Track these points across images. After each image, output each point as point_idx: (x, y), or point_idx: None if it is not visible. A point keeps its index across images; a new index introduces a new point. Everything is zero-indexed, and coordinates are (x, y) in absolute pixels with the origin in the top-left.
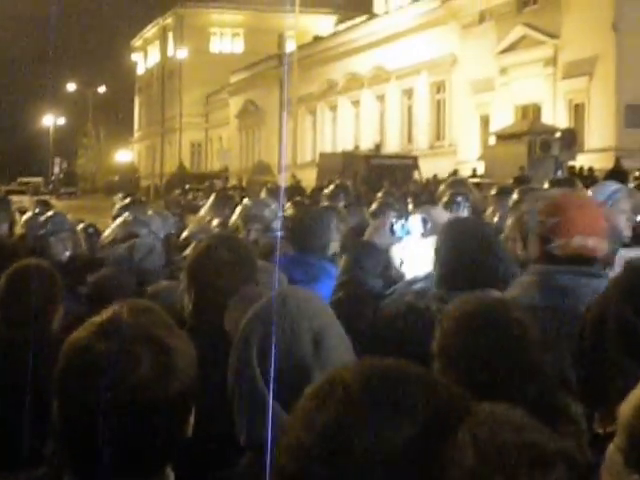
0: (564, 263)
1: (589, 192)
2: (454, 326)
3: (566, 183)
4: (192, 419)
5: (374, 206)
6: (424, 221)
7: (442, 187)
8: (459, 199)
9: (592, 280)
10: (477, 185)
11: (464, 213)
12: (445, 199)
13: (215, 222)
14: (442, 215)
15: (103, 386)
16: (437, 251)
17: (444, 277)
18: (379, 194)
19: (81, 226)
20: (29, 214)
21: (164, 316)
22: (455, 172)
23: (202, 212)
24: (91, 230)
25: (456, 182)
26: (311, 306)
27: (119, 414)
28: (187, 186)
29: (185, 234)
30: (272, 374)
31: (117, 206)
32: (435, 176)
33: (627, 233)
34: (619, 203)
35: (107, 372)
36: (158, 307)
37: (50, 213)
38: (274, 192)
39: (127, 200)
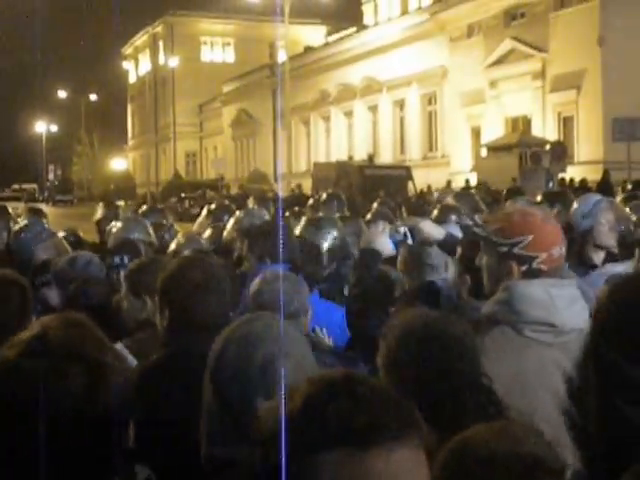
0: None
1: (574, 204)
2: (399, 341)
3: (559, 195)
4: (131, 433)
5: (369, 216)
6: (410, 232)
7: (449, 198)
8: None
9: (568, 289)
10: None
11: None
12: (436, 212)
13: (207, 233)
14: (428, 227)
15: (32, 403)
16: None
17: None
18: (375, 204)
19: (62, 234)
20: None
21: (96, 331)
22: (449, 183)
23: (196, 226)
24: (72, 238)
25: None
26: (273, 332)
27: (50, 430)
28: (183, 194)
29: (173, 247)
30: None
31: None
32: (429, 187)
33: (612, 243)
34: (601, 214)
35: (35, 389)
36: (90, 321)
37: (28, 221)
38: (263, 201)
39: (144, 207)
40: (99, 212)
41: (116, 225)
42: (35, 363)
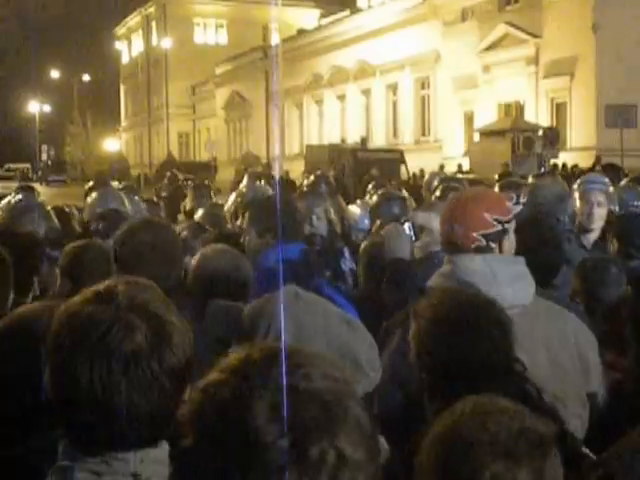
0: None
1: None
2: (430, 325)
3: (548, 176)
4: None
5: (376, 199)
6: (411, 228)
7: (435, 182)
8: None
9: (507, 266)
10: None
11: None
12: (438, 194)
13: (200, 212)
14: (421, 219)
15: (96, 352)
16: None
17: None
18: (369, 186)
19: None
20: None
21: (162, 295)
22: (442, 167)
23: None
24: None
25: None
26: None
27: (111, 382)
28: (168, 174)
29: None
30: None
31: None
32: (422, 171)
33: (595, 225)
34: (592, 193)
35: (101, 338)
36: (156, 287)
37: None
38: (256, 178)
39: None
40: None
41: (91, 196)
42: (102, 311)
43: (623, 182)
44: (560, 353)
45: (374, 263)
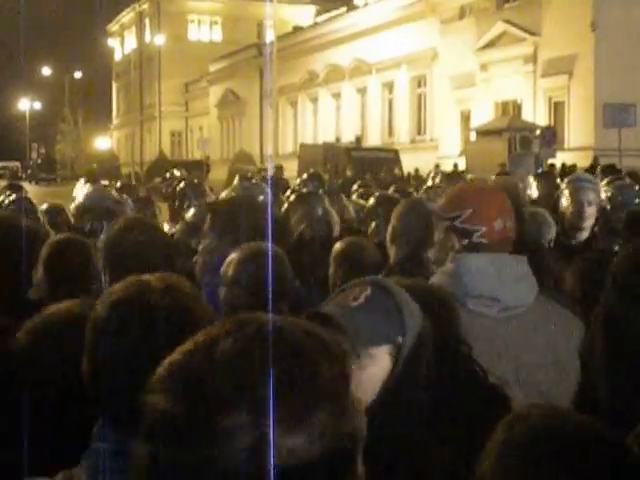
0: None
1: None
2: None
3: (547, 176)
4: None
5: (373, 200)
6: None
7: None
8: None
9: (509, 266)
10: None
11: None
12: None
13: (191, 212)
14: None
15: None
16: None
17: None
18: (354, 186)
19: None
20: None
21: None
22: (437, 167)
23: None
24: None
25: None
26: None
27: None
28: (168, 175)
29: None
30: None
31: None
32: (417, 170)
33: (586, 224)
34: (582, 192)
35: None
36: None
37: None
38: (248, 181)
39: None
40: (78, 188)
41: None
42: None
43: (618, 182)
44: (563, 354)
45: (353, 266)
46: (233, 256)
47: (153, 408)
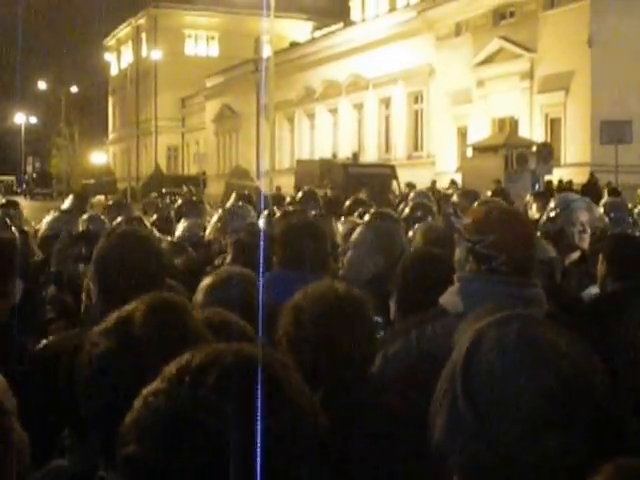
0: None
1: (551, 201)
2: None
3: (545, 196)
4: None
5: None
6: None
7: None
8: (419, 213)
9: (522, 289)
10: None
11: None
12: (407, 212)
13: (179, 230)
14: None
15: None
16: None
17: None
18: (347, 202)
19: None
20: None
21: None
22: (434, 183)
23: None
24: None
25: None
26: None
27: None
28: (164, 190)
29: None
30: None
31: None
32: (413, 186)
33: (583, 245)
34: (573, 213)
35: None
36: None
37: None
38: (244, 198)
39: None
40: (66, 203)
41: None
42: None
43: (605, 199)
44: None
45: None
46: (205, 282)
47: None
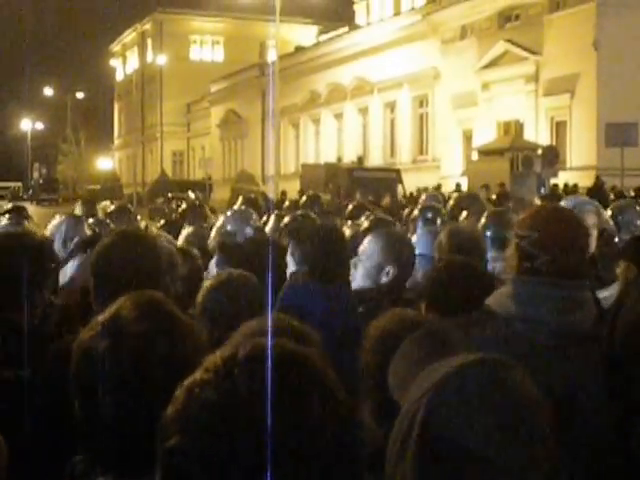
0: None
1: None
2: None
3: (553, 198)
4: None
5: (367, 224)
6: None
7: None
8: (429, 215)
9: (574, 292)
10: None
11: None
12: (417, 213)
13: (183, 235)
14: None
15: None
16: None
17: None
18: (350, 207)
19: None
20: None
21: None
22: (439, 187)
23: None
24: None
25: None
26: None
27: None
28: (170, 195)
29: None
30: None
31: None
32: (418, 190)
33: (591, 248)
34: (583, 217)
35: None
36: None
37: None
38: (251, 202)
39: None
40: (77, 209)
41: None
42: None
43: (618, 202)
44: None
45: None
46: (206, 283)
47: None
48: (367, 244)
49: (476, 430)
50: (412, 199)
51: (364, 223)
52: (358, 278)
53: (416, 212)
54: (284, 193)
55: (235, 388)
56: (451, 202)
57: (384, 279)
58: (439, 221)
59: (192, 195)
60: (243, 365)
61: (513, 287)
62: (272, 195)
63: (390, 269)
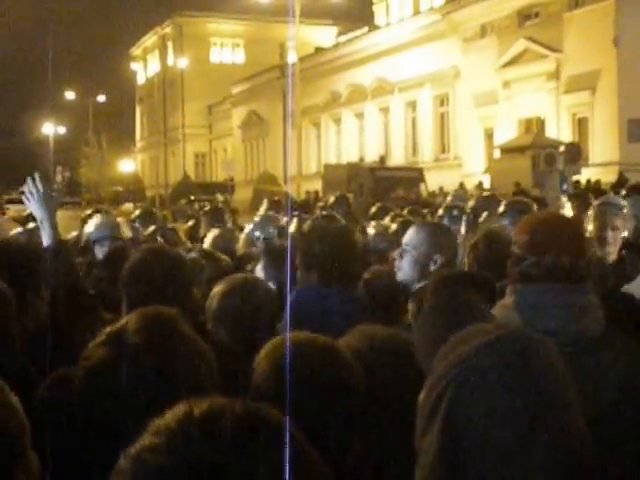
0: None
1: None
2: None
3: (580, 196)
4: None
5: (395, 227)
6: None
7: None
8: (455, 212)
9: (570, 296)
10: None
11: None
12: (441, 212)
13: (209, 238)
14: None
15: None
16: None
17: None
18: (373, 208)
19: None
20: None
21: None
22: (461, 185)
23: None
24: None
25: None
26: None
27: None
28: (192, 197)
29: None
30: None
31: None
32: (441, 188)
33: (609, 249)
34: (606, 216)
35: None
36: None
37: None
38: (277, 204)
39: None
40: (137, 212)
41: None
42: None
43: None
44: (631, 393)
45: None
46: (217, 289)
47: None
48: (413, 234)
49: (501, 413)
50: (434, 197)
51: (392, 225)
52: (405, 267)
53: (441, 211)
54: (308, 193)
55: (196, 450)
56: (471, 202)
57: (432, 267)
58: (464, 219)
59: (220, 197)
60: (203, 425)
61: (512, 297)
62: (294, 195)
63: (438, 258)
